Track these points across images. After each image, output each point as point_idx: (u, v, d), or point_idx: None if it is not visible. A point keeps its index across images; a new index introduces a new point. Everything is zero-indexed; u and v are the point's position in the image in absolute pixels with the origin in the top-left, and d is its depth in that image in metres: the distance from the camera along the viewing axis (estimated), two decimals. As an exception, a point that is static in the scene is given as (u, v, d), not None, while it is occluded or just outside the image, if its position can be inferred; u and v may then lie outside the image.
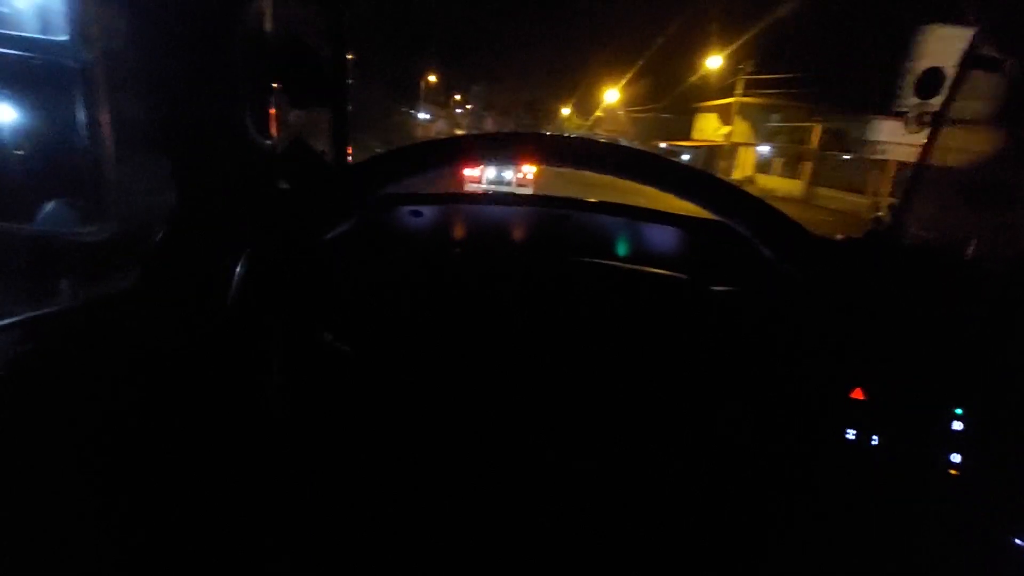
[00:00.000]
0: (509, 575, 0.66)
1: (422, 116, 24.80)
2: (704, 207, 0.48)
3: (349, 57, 0.79)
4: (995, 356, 0.51)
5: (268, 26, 0.64)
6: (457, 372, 0.66)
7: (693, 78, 21.00)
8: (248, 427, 0.56)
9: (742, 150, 18.35)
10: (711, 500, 0.63)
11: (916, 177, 0.90)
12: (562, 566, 0.65)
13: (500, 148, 0.53)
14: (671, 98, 24.42)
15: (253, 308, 0.49)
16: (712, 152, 19.76)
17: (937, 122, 0.88)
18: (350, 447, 0.65)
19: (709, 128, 20.21)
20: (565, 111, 35.00)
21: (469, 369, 0.66)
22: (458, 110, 33.08)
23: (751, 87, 17.57)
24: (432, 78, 28.07)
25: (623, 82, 28.88)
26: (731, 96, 18.61)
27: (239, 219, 0.56)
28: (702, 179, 0.49)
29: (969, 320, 0.53)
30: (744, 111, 17.93)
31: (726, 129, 18.69)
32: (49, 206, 0.72)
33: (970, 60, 0.84)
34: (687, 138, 21.56)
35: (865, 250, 0.74)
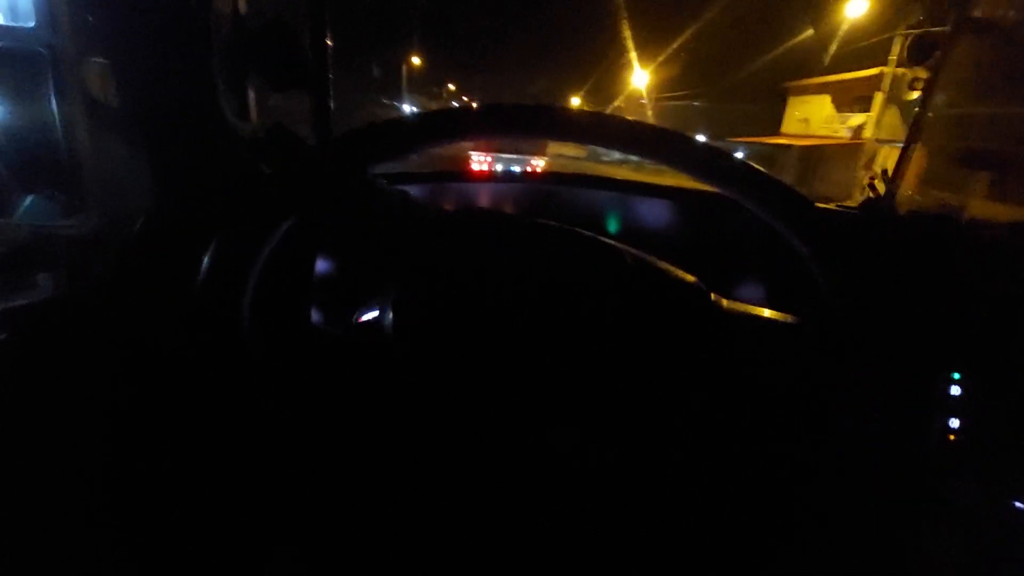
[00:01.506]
0: (516, 572, 0.64)
1: (408, 109, 20.62)
2: (699, 179, 0.47)
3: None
4: (991, 320, 0.51)
5: (246, 7, 0.62)
6: (448, 355, 0.60)
7: (785, 44, 14.55)
8: (236, 419, 0.55)
9: (885, 152, 11.80)
10: (712, 486, 0.60)
11: (910, 144, 0.89)
12: (576, 554, 0.62)
13: (509, 120, 0.48)
14: (737, 79, 18.28)
15: (224, 294, 0.48)
16: (807, 157, 13.33)
17: (928, 89, 0.86)
18: (344, 437, 0.62)
19: (818, 117, 13.68)
20: (575, 100, 30.95)
21: (461, 351, 0.60)
22: (453, 103, 28.07)
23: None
24: (416, 60, 23.44)
25: (653, 65, 23.14)
26: (844, 69, 12.17)
27: (219, 206, 0.55)
28: (698, 147, 0.47)
29: (965, 284, 0.53)
30: (892, 91, 11.40)
31: (858, 118, 12.16)
32: (26, 200, 0.72)
33: (961, 24, 0.82)
34: (747, 133, 15.26)
35: (860, 217, 0.72)
